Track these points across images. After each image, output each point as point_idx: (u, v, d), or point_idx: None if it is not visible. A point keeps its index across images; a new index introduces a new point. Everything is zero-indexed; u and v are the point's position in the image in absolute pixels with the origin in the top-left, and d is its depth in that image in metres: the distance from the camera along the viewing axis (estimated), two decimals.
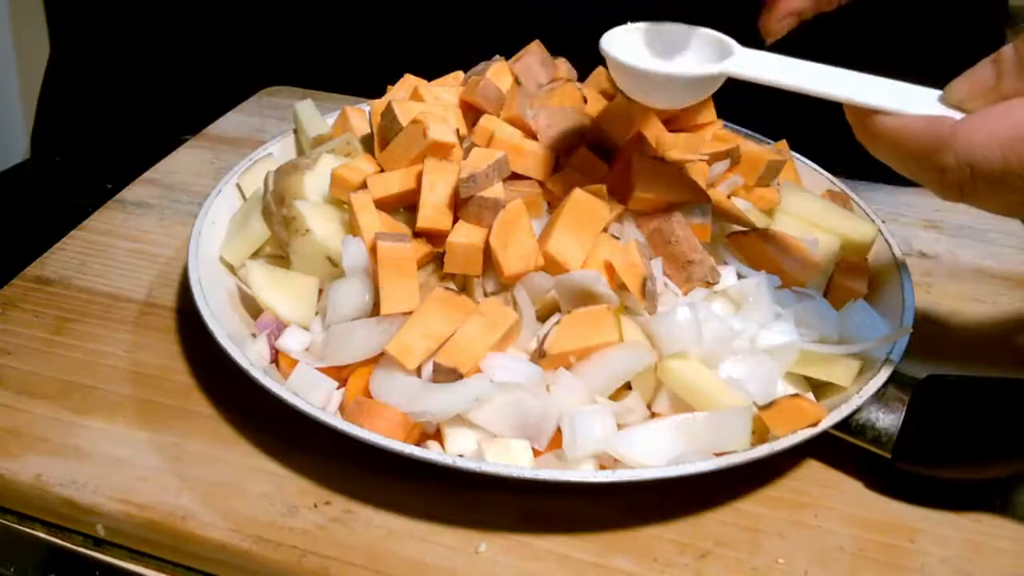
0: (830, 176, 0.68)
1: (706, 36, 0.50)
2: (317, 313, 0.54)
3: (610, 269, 0.52)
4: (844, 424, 0.48)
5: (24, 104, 1.10)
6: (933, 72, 0.53)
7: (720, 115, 0.66)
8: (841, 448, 0.49)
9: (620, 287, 0.51)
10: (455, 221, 0.54)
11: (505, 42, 0.67)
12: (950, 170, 0.38)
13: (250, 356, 0.49)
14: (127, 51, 1.02)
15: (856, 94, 0.42)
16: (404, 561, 0.45)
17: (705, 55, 0.49)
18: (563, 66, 0.66)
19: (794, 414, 0.47)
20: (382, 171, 0.57)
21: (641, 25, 0.51)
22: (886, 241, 0.61)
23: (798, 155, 0.70)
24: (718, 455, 0.45)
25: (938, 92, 0.41)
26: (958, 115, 0.39)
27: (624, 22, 0.51)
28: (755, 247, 0.56)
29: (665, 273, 0.54)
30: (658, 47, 0.50)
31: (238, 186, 0.65)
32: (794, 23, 0.52)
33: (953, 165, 0.37)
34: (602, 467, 0.48)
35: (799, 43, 0.51)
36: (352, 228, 0.55)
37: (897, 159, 0.40)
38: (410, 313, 0.50)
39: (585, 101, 0.61)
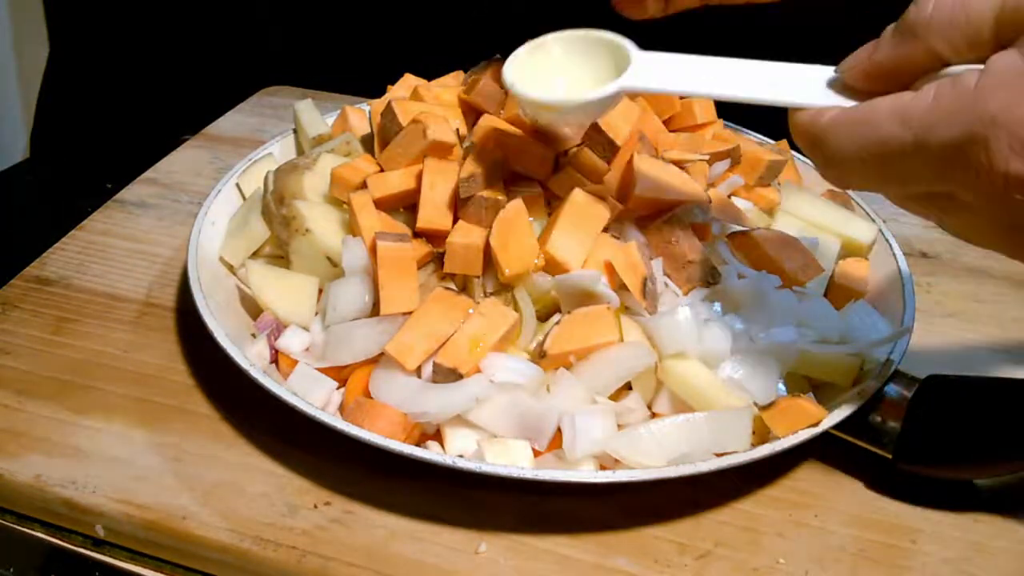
0: None
1: (603, 41, 0.48)
2: (317, 313, 0.54)
3: (610, 269, 0.52)
4: (845, 424, 0.48)
5: (24, 104, 1.10)
6: None
7: (720, 115, 0.66)
8: (842, 448, 0.49)
9: (620, 287, 0.51)
10: (455, 221, 0.54)
11: (505, 42, 0.67)
12: (822, 166, 0.39)
13: (250, 356, 0.49)
14: (127, 51, 1.02)
15: (763, 93, 0.41)
16: (404, 561, 0.45)
17: (604, 62, 0.48)
18: None
19: (794, 414, 0.47)
20: (382, 171, 0.57)
21: (545, 39, 0.50)
22: (886, 241, 0.61)
23: (798, 155, 0.70)
24: (718, 455, 0.45)
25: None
26: (849, 103, 0.38)
27: (620, 21, 0.51)
28: (755, 247, 0.56)
29: (665, 273, 0.54)
30: (562, 59, 0.50)
31: (238, 186, 0.65)
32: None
33: (823, 162, 0.38)
34: (602, 467, 0.48)
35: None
36: (352, 228, 0.55)
37: (803, 152, 0.41)
38: (410, 313, 0.50)
39: None
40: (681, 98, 0.65)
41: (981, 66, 0.33)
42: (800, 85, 0.41)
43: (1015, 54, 0.33)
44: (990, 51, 0.34)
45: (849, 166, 0.37)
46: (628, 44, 0.47)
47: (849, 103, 0.38)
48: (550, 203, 0.56)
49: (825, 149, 0.38)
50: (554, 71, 0.50)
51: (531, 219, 0.53)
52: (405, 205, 0.56)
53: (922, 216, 0.39)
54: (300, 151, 0.70)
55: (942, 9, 0.34)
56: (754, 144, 0.67)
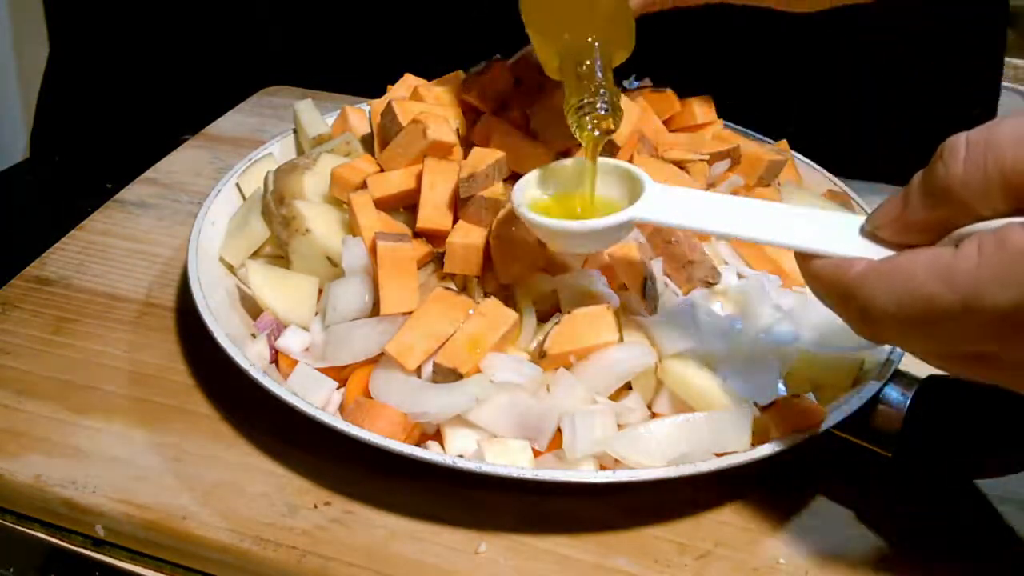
0: (830, 176, 0.68)
1: (618, 169, 0.48)
2: (317, 313, 0.54)
3: (610, 269, 0.52)
4: (845, 424, 0.48)
5: (24, 104, 1.10)
6: (934, 70, 0.53)
7: (720, 115, 0.66)
8: (842, 448, 0.49)
9: (620, 287, 0.51)
10: (455, 221, 0.54)
11: (505, 42, 0.67)
12: (855, 321, 0.37)
13: (250, 356, 0.49)
14: (127, 51, 1.02)
15: (777, 237, 0.40)
16: (404, 561, 0.45)
17: (617, 189, 0.47)
18: None
19: (794, 414, 0.47)
20: (382, 171, 0.57)
21: (559, 163, 0.50)
22: None
23: (798, 155, 0.70)
24: (718, 455, 0.45)
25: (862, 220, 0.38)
26: (876, 253, 0.37)
27: None
28: (755, 247, 0.56)
29: (665, 273, 0.54)
30: (573, 182, 0.49)
31: (238, 186, 0.65)
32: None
33: (857, 317, 0.36)
34: (602, 467, 0.48)
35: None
36: (352, 228, 0.55)
37: (823, 302, 0.39)
38: (410, 313, 0.50)
39: None
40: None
41: (1019, 219, 0.32)
42: (822, 231, 0.38)
43: None
44: None
45: (887, 323, 0.35)
46: (643, 175, 0.46)
47: (878, 252, 0.36)
48: None
49: (859, 304, 0.35)
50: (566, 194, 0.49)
51: None
52: (405, 205, 0.56)
53: (958, 373, 0.37)
54: (300, 151, 0.70)
55: (975, 167, 0.32)
56: (754, 144, 0.67)
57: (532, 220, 0.47)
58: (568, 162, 0.50)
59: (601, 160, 0.48)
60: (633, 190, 0.46)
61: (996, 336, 0.33)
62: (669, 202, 0.44)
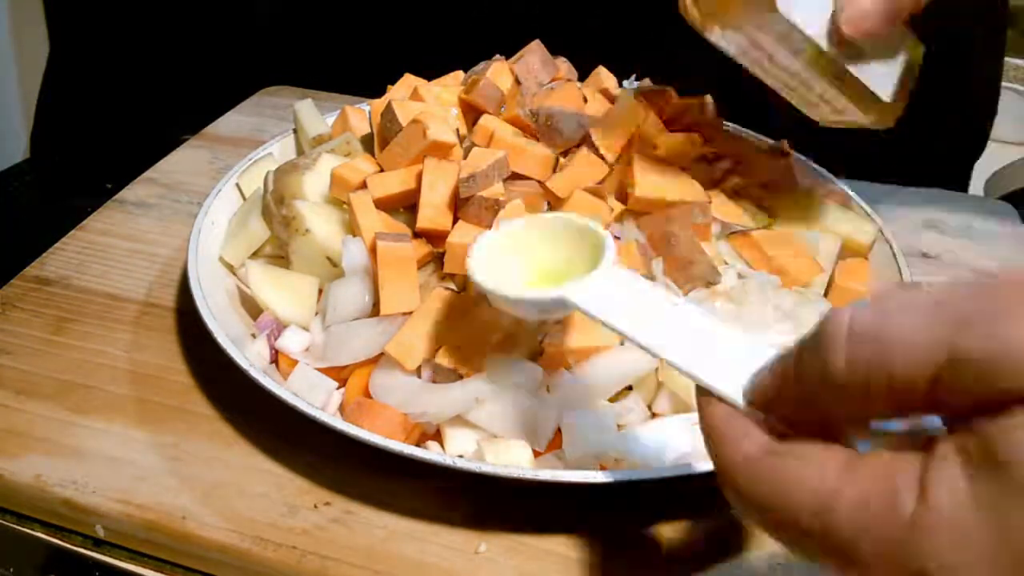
0: (830, 176, 0.68)
1: (590, 233, 0.43)
2: (317, 313, 0.54)
3: None
4: None
5: (24, 104, 1.10)
6: (934, 70, 0.53)
7: (720, 115, 0.66)
8: None
9: None
10: (455, 221, 0.54)
11: (505, 42, 0.67)
12: (729, 497, 0.31)
13: (250, 356, 0.49)
14: (127, 51, 1.02)
15: (693, 367, 0.34)
16: (404, 561, 0.45)
17: (586, 253, 0.43)
18: (563, 66, 0.66)
19: None
20: (382, 171, 0.57)
21: (521, 221, 0.47)
22: (886, 241, 0.61)
23: (798, 155, 0.70)
24: None
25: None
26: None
27: (621, 21, 0.51)
28: (755, 247, 0.56)
29: (665, 273, 0.54)
30: (539, 238, 0.46)
31: (238, 186, 0.65)
32: None
33: (730, 495, 0.30)
34: (602, 467, 0.48)
35: None
36: (352, 228, 0.55)
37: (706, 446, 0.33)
38: (410, 313, 0.50)
39: (585, 101, 0.61)
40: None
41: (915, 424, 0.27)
42: (736, 371, 0.32)
43: (959, 475, 0.24)
44: (923, 409, 0.26)
45: (754, 519, 0.30)
46: (610, 247, 0.41)
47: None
48: (550, 203, 0.56)
49: (733, 488, 0.30)
50: (528, 252, 0.46)
51: None
52: (405, 205, 0.56)
53: None
54: (300, 151, 0.70)
55: (858, 369, 0.26)
56: (754, 144, 0.67)
57: (471, 275, 0.44)
58: (549, 217, 0.47)
59: (579, 220, 0.45)
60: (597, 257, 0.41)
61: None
62: (608, 291, 0.38)
